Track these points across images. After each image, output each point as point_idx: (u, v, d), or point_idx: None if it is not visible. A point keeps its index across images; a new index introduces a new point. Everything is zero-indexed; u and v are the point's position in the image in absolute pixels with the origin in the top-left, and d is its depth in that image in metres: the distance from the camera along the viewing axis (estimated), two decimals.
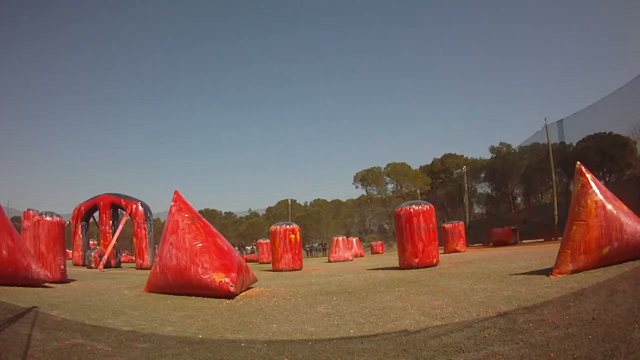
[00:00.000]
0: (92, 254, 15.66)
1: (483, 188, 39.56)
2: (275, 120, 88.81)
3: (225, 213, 51.68)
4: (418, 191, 39.32)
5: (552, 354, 2.44)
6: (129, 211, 16.20)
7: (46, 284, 6.66)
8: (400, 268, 8.98)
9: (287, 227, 12.48)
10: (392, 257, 13.75)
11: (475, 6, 76.28)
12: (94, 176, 78.63)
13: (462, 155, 44.28)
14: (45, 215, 8.25)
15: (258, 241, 23.03)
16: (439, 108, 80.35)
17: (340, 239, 19.28)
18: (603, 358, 2.30)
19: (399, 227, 9.16)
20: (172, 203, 6.34)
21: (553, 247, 8.09)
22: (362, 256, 23.49)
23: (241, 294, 5.92)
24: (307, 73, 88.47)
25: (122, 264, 17.81)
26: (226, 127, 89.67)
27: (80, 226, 17.62)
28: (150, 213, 16.78)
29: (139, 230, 15.88)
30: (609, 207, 5.05)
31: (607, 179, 22.60)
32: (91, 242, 20.34)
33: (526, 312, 3.47)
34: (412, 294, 5.13)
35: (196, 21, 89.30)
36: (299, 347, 3.14)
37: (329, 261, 18.04)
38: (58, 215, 8.48)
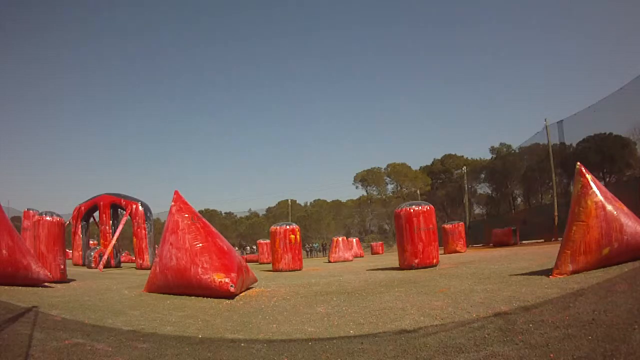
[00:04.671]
0: (92, 253, 15.65)
1: (483, 188, 39.73)
2: (276, 121, 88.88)
3: (225, 213, 51.74)
4: (418, 191, 39.26)
5: (551, 355, 2.44)
6: (129, 211, 16.19)
7: (46, 284, 6.66)
8: (400, 268, 8.98)
9: (287, 227, 12.49)
10: (392, 258, 13.74)
11: (475, 6, 76.37)
12: (94, 176, 78.61)
13: (462, 156, 44.46)
14: (45, 215, 8.25)
15: (258, 241, 23.03)
16: (439, 108, 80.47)
17: (340, 239, 19.24)
18: (603, 359, 2.30)
19: (399, 227, 9.16)
20: (172, 203, 6.34)
21: (553, 248, 8.09)
22: (362, 256, 23.47)
23: (241, 294, 5.92)
24: (307, 73, 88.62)
25: (122, 264, 17.79)
26: (226, 127, 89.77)
27: (80, 226, 17.62)
28: (150, 213, 16.77)
29: (139, 230, 15.87)
30: (609, 207, 5.05)
31: (607, 179, 22.64)
32: (91, 242, 20.32)
33: (526, 313, 3.47)
34: (412, 294, 5.13)
35: (196, 21, 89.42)
36: (299, 347, 3.15)
37: (329, 261, 18.04)
38: (58, 215, 8.47)
